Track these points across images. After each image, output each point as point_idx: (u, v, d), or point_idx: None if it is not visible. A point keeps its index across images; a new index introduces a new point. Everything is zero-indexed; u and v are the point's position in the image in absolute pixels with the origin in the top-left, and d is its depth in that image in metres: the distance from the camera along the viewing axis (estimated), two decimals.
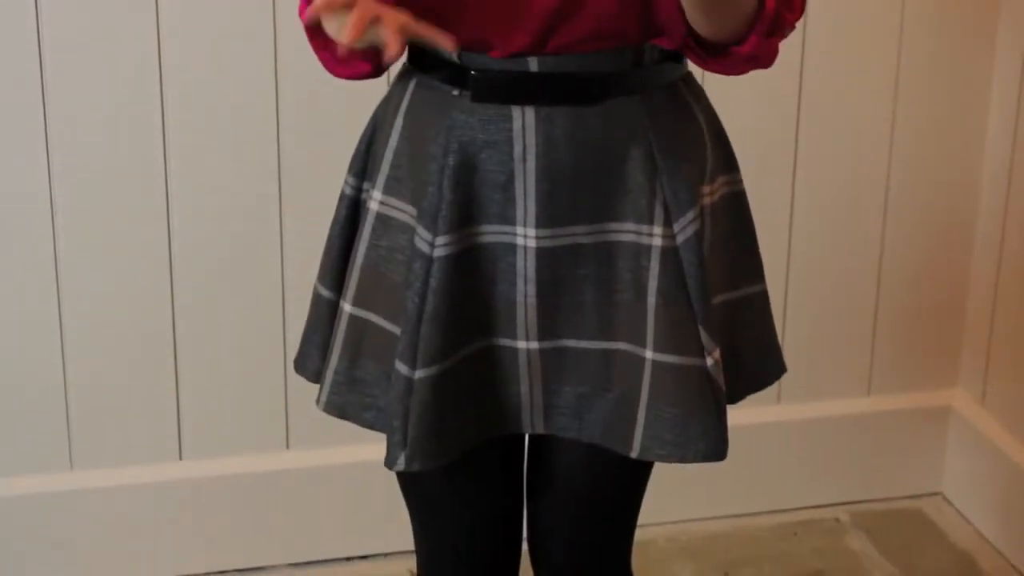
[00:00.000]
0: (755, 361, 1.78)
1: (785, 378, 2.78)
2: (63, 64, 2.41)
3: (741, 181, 1.73)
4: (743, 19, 1.54)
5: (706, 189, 1.66)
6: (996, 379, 2.83)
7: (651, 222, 1.60)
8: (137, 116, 2.46)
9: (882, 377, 2.91)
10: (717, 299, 1.70)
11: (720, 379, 1.63)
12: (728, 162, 1.72)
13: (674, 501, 2.77)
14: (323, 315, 1.77)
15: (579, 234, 1.61)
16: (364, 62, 1.62)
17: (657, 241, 1.60)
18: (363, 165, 1.71)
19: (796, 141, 2.72)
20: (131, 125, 2.46)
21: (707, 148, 1.66)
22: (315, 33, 1.60)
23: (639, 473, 1.78)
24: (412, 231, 1.63)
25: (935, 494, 2.96)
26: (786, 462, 2.88)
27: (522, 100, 1.58)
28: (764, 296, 1.78)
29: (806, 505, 2.91)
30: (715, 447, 1.64)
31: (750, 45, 1.57)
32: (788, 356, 2.78)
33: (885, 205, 2.80)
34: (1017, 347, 2.75)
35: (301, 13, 1.59)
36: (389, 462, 1.64)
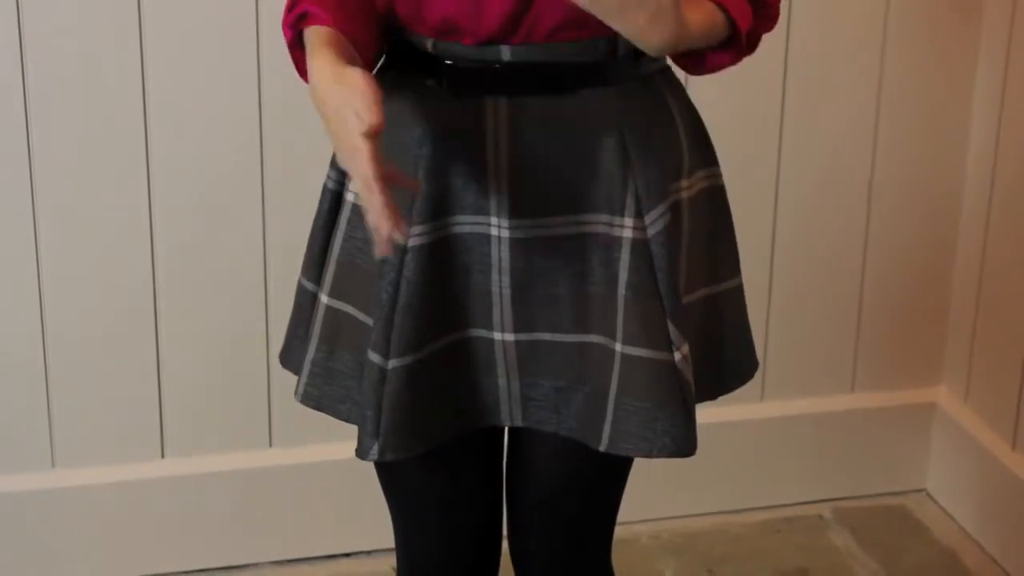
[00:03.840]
0: (736, 355, 1.78)
1: (769, 375, 2.82)
2: (47, 88, 2.41)
3: (720, 176, 1.73)
4: (715, 42, 1.55)
5: (684, 183, 1.65)
6: (980, 376, 2.83)
7: (622, 213, 1.60)
8: (118, 114, 2.46)
9: (866, 374, 2.91)
10: (698, 294, 1.69)
11: (688, 375, 1.63)
12: (707, 157, 1.71)
13: (657, 498, 2.77)
14: (306, 308, 1.77)
15: (553, 225, 1.61)
16: None
17: (628, 233, 1.60)
18: None
19: (780, 138, 2.72)
20: (112, 125, 2.46)
21: (682, 142, 1.66)
22: (297, 53, 1.59)
23: (618, 468, 1.77)
24: None
25: (919, 491, 2.96)
26: (770, 459, 2.88)
27: (495, 90, 1.58)
28: (740, 290, 1.78)
29: (790, 502, 2.91)
30: (682, 443, 1.63)
31: (729, 59, 1.58)
32: (772, 353, 2.82)
33: (869, 203, 2.80)
34: (1000, 344, 2.75)
35: (285, 35, 1.59)
36: (361, 452, 1.64)
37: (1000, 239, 2.74)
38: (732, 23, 1.57)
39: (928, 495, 2.95)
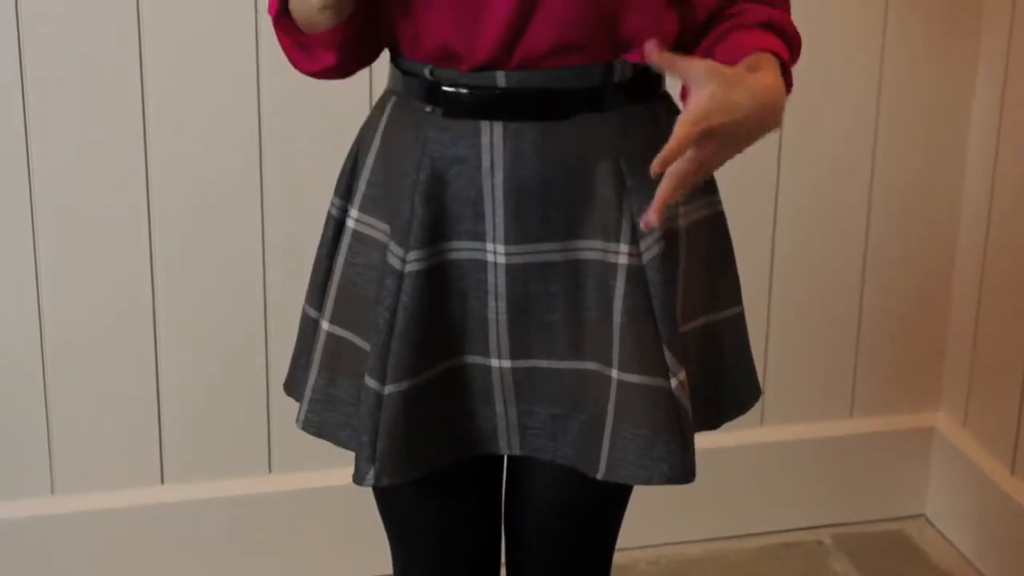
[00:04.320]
0: (737, 384, 1.77)
1: (768, 400, 2.82)
2: (46, 100, 2.42)
3: (720, 204, 1.73)
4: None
5: (681, 211, 1.65)
6: (978, 401, 2.83)
7: (618, 240, 1.60)
8: (119, 145, 2.46)
9: (865, 399, 2.91)
10: (697, 322, 1.69)
11: (685, 401, 1.62)
12: (706, 185, 1.71)
13: (656, 524, 2.77)
14: (308, 335, 1.77)
15: (549, 251, 1.61)
16: (327, 51, 1.62)
17: (623, 259, 1.60)
18: (347, 186, 1.71)
19: (778, 162, 2.73)
20: (113, 155, 2.46)
21: None
22: (284, 24, 1.61)
23: (617, 495, 1.77)
24: (385, 248, 1.63)
25: (918, 516, 2.96)
26: (769, 484, 2.88)
27: (491, 115, 1.58)
28: (742, 318, 1.77)
29: (789, 528, 2.91)
30: (679, 470, 1.61)
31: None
32: (771, 378, 2.82)
33: (867, 227, 2.81)
34: (999, 369, 2.75)
35: (271, 9, 1.60)
36: (357, 477, 1.64)
37: (998, 265, 2.74)
38: (782, 63, 1.57)
39: (927, 520, 2.95)
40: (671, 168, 1.43)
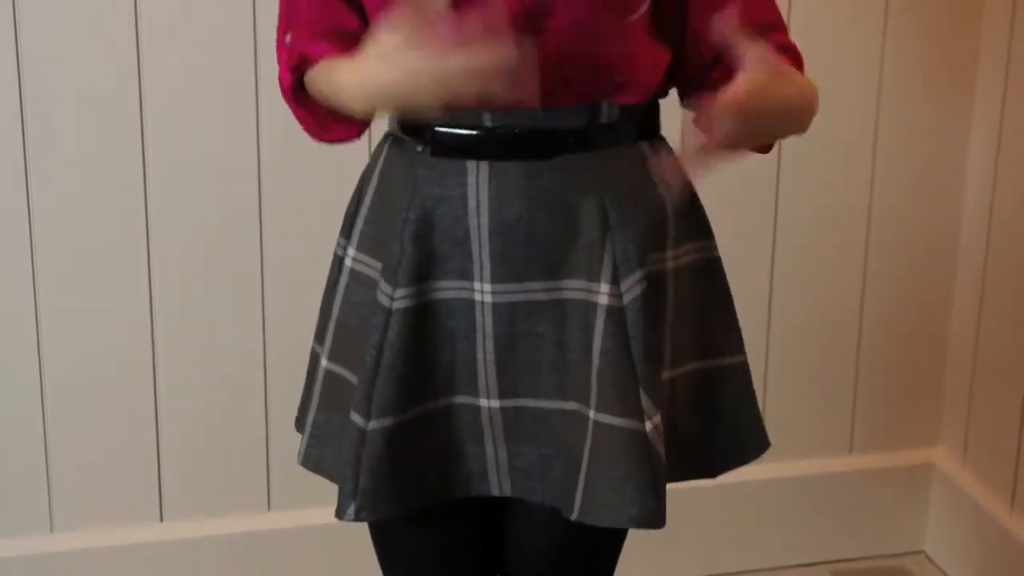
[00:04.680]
0: (735, 434, 1.75)
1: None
2: (46, 139, 2.42)
3: (714, 248, 1.71)
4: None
5: (669, 254, 1.65)
6: (977, 437, 2.83)
7: (599, 279, 1.60)
8: (119, 183, 2.47)
9: (864, 435, 2.91)
10: (686, 367, 1.68)
11: (659, 445, 1.60)
12: (699, 228, 1.70)
13: (654, 561, 2.77)
14: (313, 372, 1.78)
15: (535, 290, 1.61)
16: (354, 126, 1.62)
17: (603, 299, 1.59)
18: (350, 226, 1.72)
19: (776, 204, 2.73)
20: (113, 193, 2.47)
21: (667, 210, 1.65)
22: (300, 98, 1.61)
23: (610, 535, 1.75)
24: (377, 286, 1.63)
25: (917, 552, 2.96)
26: (768, 521, 2.87)
27: (477, 155, 1.59)
28: (745, 368, 1.75)
29: (789, 564, 2.90)
30: (649, 514, 1.60)
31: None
32: (770, 415, 2.79)
33: (865, 264, 2.81)
34: (998, 405, 2.75)
35: (283, 82, 1.60)
36: (339, 512, 1.64)
37: (997, 300, 2.75)
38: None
39: (927, 556, 2.94)
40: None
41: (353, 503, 1.62)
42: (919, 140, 2.77)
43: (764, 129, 1.49)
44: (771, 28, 1.63)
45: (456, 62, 1.34)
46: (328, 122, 1.61)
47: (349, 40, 1.54)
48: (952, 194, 2.80)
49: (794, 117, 1.53)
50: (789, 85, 1.49)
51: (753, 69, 1.42)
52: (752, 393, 1.76)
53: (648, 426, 1.59)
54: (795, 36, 1.67)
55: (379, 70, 1.41)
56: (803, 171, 2.73)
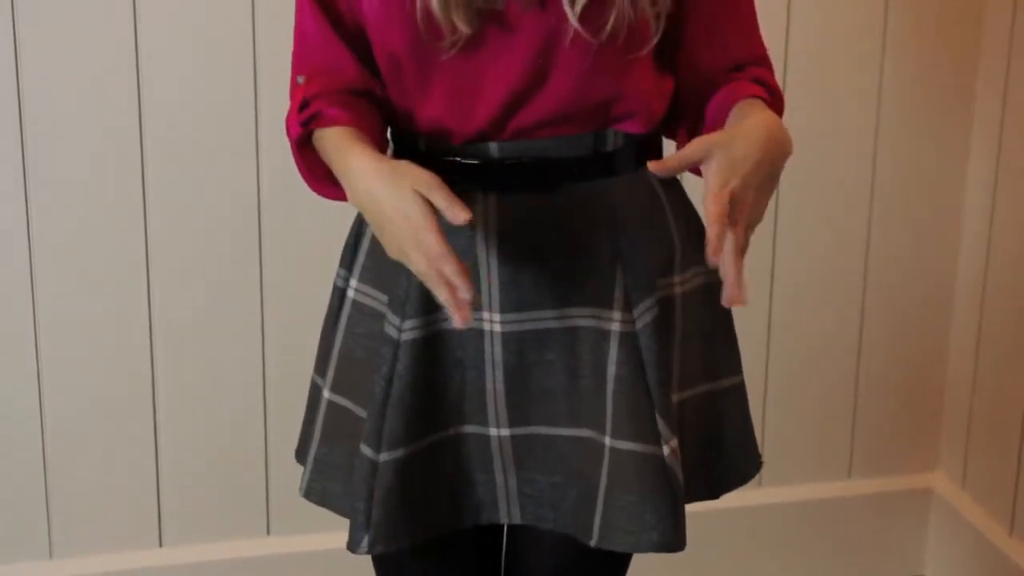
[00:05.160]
0: (737, 454, 1.76)
1: (766, 461, 2.80)
2: (47, 170, 2.43)
3: (716, 271, 1.73)
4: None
5: (677, 279, 1.66)
6: (976, 462, 2.83)
7: (611, 307, 1.60)
8: (118, 204, 2.47)
9: (863, 460, 2.91)
10: (695, 390, 1.69)
11: (677, 469, 1.61)
12: (704, 252, 1.70)
13: None
14: (314, 404, 1.78)
15: (544, 319, 1.61)
16: (342, 191, 1.61)
17: (616, 327, 1.60)
18: (351, 257, 1.72)
19: (775, 229, 2.73)
20: (112, 215, 2.47)
21: (675, 236, 1.66)
22: (303, 150, 1.60)
23: (614, 562, 1.77)
24: (383, 318, 1.63)
25: None
26: (767, 546, 2.87)
27: (484, 186, 1.59)
28: (742, 388, 1.77)
29: None
30: (669, 538, 1.61)
31: None
32: (769, 440, 2.82)
33: (864, 290, 2.81)
34: (996, 429, 2.76)
35: (291, 132, 1.60)
36: (352, 545, 1.64)
37: (994, 326, 2.75)
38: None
39: None
40: (727, 241, 1.43)
41: (366, 536, 1.62)
42: (918, 161, 2.77)
43: (758, 185, 1.48)
44: (755, 63, 1.65)
45: (441, 264, 1.43)
46: (323, 181, 1.61)
47: (359, 99, 1.57)
48: (951, 219, 2.81)
49: (767, 158, 1.49)
50: (742, 145, 1.47)
51: (706, 162, 1.45)
52: (748, 412, 1.78)
53: (666, 450, 1.60)
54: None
55: (383, 203, 1.48)
56: (802, 192, 2.73)
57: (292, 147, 1.61)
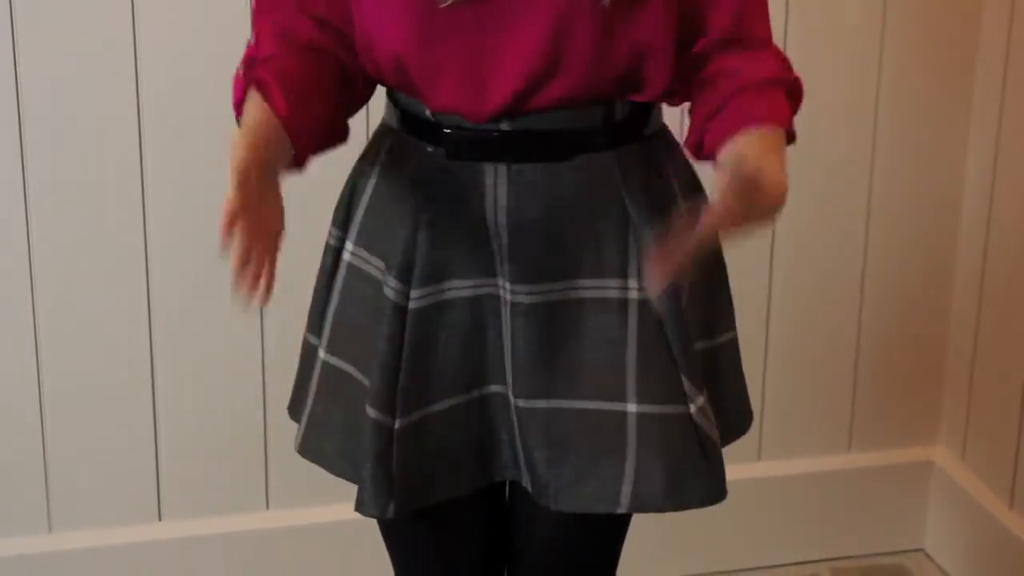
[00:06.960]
0: (732, 409, 1.78)
1: (765, 435, 2.82)
2: (44, 165, 2.43)
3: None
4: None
5: None
6: (976, 435, 2.83)
7: (625, 275, 1.61)
8: (116, 189, 2.47)
9: (863, 433, 2.91)
10: (697, 347, 1.70)
11: (707, 424, 1.63)
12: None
13: (653, 559, 2.77)
14: (309, 362, 1.77)
15: (554, 290, 1.61)
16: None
17: (633, 294, 1.61)
18: (344, 217, 1.72)
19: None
20: (110, 200, 2.47)
21: (678, 200, 1.66)
22: (241, 91, 1.60)
23: (616, 527, 1.78)
24: (381, 285, 1.63)
25: (917, 550, 2.96)
26: (766, 519, 2.87)
27: (493, 157, 1.59)
28: (735, 344, 1.78)
29: (787, 562, 2.90)
30: (709, 491, 1.64)
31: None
32: (768, 413, 2.82)
33: (864, 261, 2.81)
34: (997, 403, 2.76)
35: (237, 79, 1.59)
36: (363, 509, 1.64)
37: (995, 299, 2.75)
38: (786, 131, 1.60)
39: (926, 555, 2.94)
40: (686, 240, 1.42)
41: (379, 500, 1.62)
42: (918, 139, 2.77)
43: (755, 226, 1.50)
44: (760, 44, 1.62)
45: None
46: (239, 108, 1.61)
47: (307, 95, 1.56)
48: (951, 195, 2.80)
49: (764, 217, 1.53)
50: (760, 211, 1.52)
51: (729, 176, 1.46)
52: (741, 367, 1.80)
53: (693, 408, 1.62)
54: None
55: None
56: (802, 171, 2.72)
57: (233, 85, 1.60)
